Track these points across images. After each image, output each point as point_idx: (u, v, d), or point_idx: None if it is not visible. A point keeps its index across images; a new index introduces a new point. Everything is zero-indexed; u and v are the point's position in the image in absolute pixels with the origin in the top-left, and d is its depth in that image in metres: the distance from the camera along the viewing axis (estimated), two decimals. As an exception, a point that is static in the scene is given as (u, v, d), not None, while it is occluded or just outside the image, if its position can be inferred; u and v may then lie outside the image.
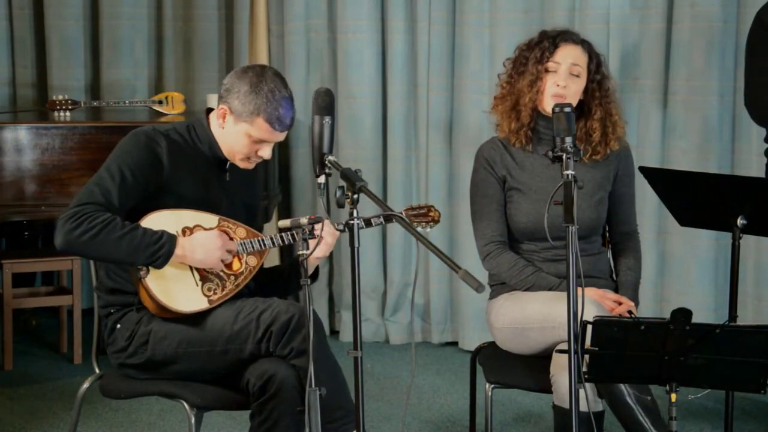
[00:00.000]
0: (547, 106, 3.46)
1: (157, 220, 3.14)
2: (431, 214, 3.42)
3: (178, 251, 3.10)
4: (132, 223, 3.09)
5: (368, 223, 3.19)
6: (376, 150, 5.51)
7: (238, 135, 3.22)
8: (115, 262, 3.22)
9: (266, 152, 3.24)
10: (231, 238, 3.22)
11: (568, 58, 3.47)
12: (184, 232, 3.17)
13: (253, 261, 3.25)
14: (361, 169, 2.78)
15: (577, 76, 3.48)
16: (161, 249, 3.08)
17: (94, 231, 3.04)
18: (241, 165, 3.29)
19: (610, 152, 3.56)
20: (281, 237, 3.22)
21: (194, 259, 3.13)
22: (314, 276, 3.36)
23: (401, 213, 3.36)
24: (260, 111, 3.17)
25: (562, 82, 3.45)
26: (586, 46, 3.53)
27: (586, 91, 3.51)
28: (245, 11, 5.68)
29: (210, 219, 3.22)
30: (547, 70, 3.47)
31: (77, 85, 5.79)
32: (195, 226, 3.19)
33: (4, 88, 5.86)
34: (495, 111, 3.59)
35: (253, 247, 3.23)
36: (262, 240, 3.23)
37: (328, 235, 3.17)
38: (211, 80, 5.74)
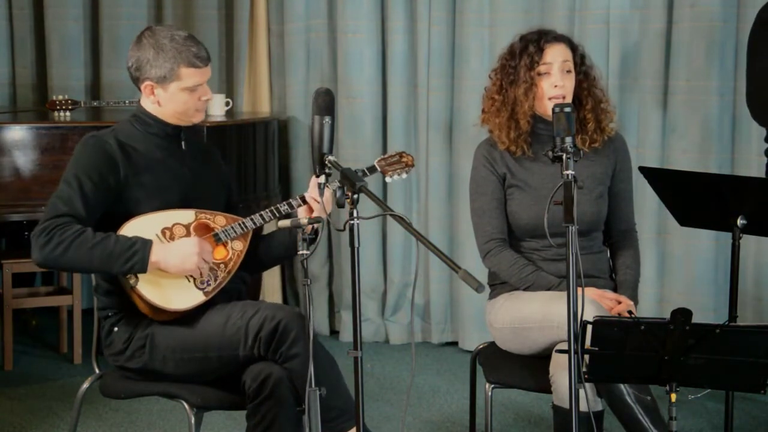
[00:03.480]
0: (548, 108, 3.46)
1: (134, 227, 3.14)
2: (404, 159, 3.43)
3: (152, 258, 3.09)
4: (105, 233, 3.09)
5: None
6: (376, 150, 5.51)
7: (175, 96, 3.24)
8: (91, 272, 3.21)
9: (207, 92, 3.28)
10: (211, 228, 3.22)
11: (558, 57, 3.48)
12: (164, 233, 3.16)
13: (239, 245, 3.25)
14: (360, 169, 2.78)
15: (569, 72, 3.49)
16: (134, 256, 3.07)
17: (65, 244, 3.04)
18: (196, 119, 3.31)
19: (608, 140, 3.57)
20: (261, 216, 3.23)
21: (169, 264, 3.11)
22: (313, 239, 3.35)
23: (378, 170, 3.39)
24: (178, 61, 3.21)
25: (559, 82, 3.46)
26: (567, 41, 3.54)
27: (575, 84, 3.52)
28: (245, 11, 5.69)
29: (187, 214, 3.21)
30: (539, 74, 3.48)
31: (77, 85, 5.80)
32: (173, 225, 3.19)
33: (4, 88, 5.86)
34: (488, 124, 3.59)
35: (235, 231, 3.24)
36: (243, 223, 3.24)
37: (316, 194, 3.15)
38: (211, 80, 5.70)
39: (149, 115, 3.29)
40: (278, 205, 3.31)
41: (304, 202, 3.31)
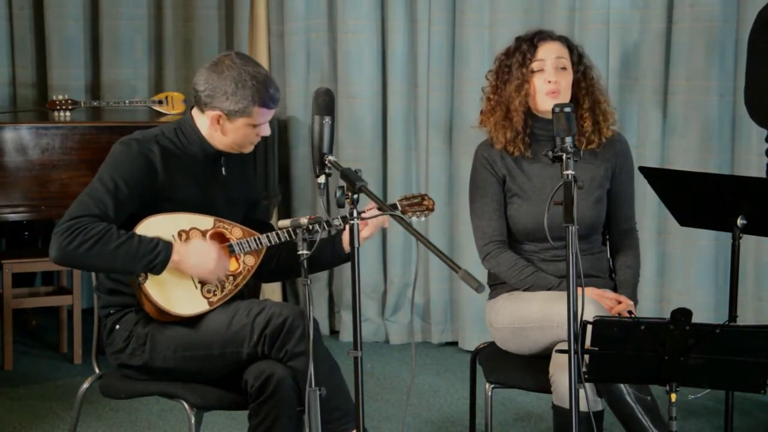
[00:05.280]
0: (542, 105, 3.47)
1: (151, 226, 3.13)
2: (425, 202, 3.42)
3: (174, 257, 3.10)
4: (127, 232, 3.08)
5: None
6: (376, 150, 5.51)
7: (239, 131, 3.22)
8: (112, 272, 3.21)
9: (267, 130, 3.27)
10: (227, 239, 3.22)
11: (551, 54, 3.48)
12: (180, 235, 3.16)
13: (250, 260, 3.25)
14: (361, 169, 2.78)
15: (564, 68, 3.49)
16: (158, 257, 3.07)
17: (89, 243, 3.03)
18: (246, 150, 3.31)
19: (608, 142, 3.56)
20: (277, 234, 3.22)
21: (187, 265, 3.12)
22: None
23: (399, 209, 3.37)
24: (254, 101, 3.18)
25: (552, 78, 3.46)
26: (563, 40, 3.54)
27: (572, 83, 3.52)
28: (245, 11, 5.69)
29: (206, 221, 3.21)
30: (532, 72, 3.48)
31: (77, 85, 5.79)
32: (191, 229, 3.18)
33: (4, 88, 5.86)
34: (485, 125, 3.59)
35: (249, 246, 3.23)
36: (258, 239, 3.23)
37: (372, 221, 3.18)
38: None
39: (198, 134, 3.26)
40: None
41: (319, 224, 3.22)
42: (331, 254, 3.35)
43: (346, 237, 3.30)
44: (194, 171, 3.25)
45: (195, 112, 3.28)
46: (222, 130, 3.23)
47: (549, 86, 3.45)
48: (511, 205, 3.53)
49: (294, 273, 3.46)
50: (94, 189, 3.12)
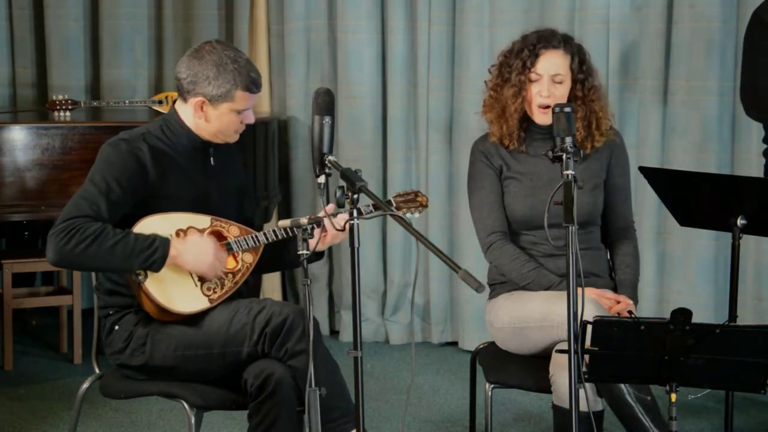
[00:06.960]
0: (536, 114, 3.49)
1: (149, 225, 3.13)
2: (419, 199, 3.43)
3: (172, 252, 3.10)
4: (124, 230, 3.08)
5: (359, 212, 3.11)
6: (376, 150, 5.51)
7: (223, 117, 3.24)
8: (110, 271, 3.21)
9: (251, 116, 3.29)
10: (224, 237, 3.22)
11: (549, 69, 3.48)
12: (177, 234, 3.16)
13: (249, 258, 3.25)
14: (361, 169, 2.78)
15: (560, 83, 3.49)
16: (155, 252, 3.07)
17: (86, 243, 3.03)
18: (232, 140, 3.32)
19: (599, 144, 3.57)
20: (274, 232, 3.22)
21: (185, 260, 3.12)
22: (320, 255, 3.39)
23: (393, 205, 3.38)
24: (237, 84, 3.20)
25: (545, 92, 3.47)
26: (567, 47, 3.52)
27: (569, 90, 3.52)
28: (245, 11, 5.69)
29: (203, 220, 3.22)
30: (530, 80, 3.48)
31: (77, 85, 5.80)
32: (188, 228, 3.19)
33: (4, 88, 5.86)
34: (485, 115, 3.60)
35: (247, 244, 3.24)
36: (256, 236, 3.24)
37: (331, 229, 3.18)
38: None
39: (183, 126, 3.27)
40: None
41: (318, 224, 3.24)
42: (295, 256, 3.36)
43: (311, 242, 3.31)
44: (184, 165, 3.26)
45: (179, 103, 3.29)
46: (206, 117, 3.24)
47: (541, 99, 3.47)
48: (507, 193, 3.54)
49: (280, 265, 3.50)
50: (87, 191, 3.12)
